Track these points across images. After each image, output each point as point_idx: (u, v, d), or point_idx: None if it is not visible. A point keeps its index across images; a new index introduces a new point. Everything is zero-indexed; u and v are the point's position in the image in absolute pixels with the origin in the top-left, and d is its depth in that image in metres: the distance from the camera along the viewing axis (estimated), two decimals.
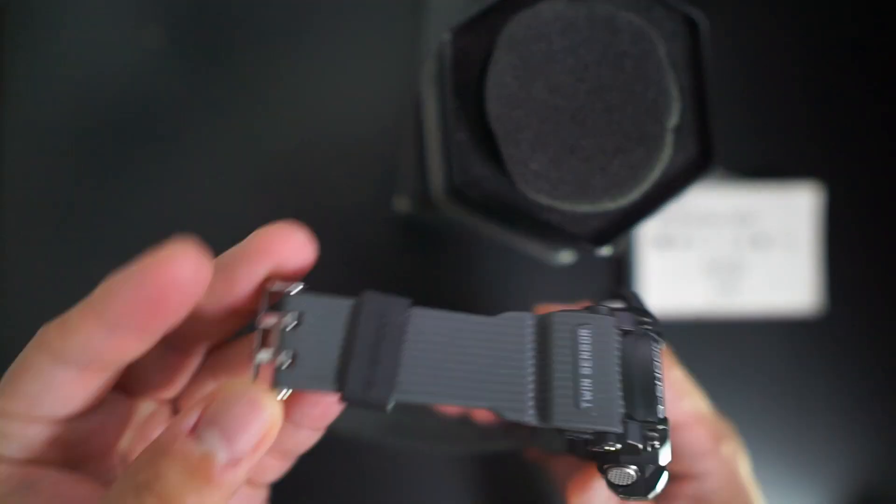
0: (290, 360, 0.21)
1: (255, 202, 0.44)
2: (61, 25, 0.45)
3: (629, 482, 0.21)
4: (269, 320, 0.21)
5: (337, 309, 0.21)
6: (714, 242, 0.46)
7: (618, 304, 0.22)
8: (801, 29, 0.48)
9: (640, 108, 0.28)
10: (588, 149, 0.27)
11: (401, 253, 0.45)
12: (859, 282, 0.47)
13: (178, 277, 0.19)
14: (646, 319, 0.22)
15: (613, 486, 0.21)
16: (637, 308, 0.22)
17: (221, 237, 0.24)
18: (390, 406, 0.20)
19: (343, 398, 0.20)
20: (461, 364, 0.21)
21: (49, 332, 0.20)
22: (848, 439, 0.46)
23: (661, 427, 0.21)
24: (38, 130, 0.44)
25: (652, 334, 0.22)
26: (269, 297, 0.21)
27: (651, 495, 0.21)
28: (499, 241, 0.42)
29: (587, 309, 0.22)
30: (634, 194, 0.28)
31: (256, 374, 0.21)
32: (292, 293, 0.21)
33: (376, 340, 0.21)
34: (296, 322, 0.21)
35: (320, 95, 0.45)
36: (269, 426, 0.19)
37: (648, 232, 0.45)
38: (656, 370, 0.21)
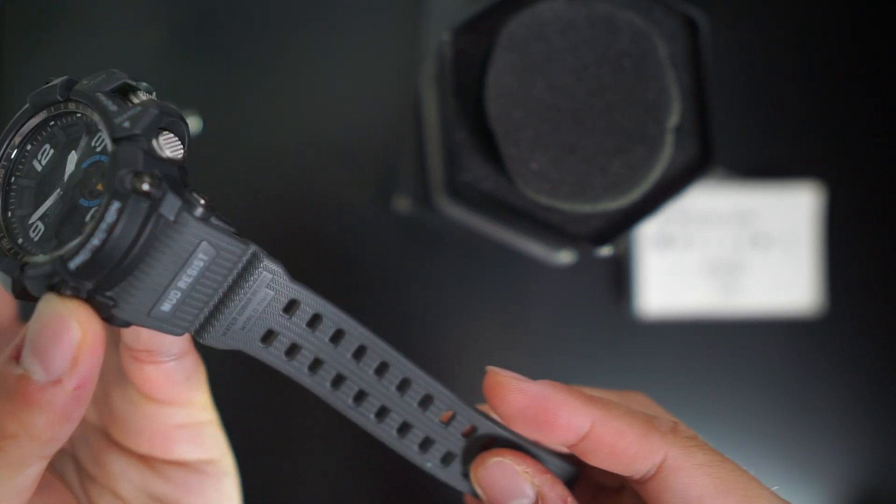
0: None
1: (255, 202, 0.44)
2: (61, 26, 0.45)
3: None
4: None
5: None
6: (714, 242, 0.45)
7: None
8: (801, 29, 0.48)
9: (640, 108, 0.28)
10: (588, 149, 0.27)
11: (400, 253, 0.45)
12: (859, 282, 0.47)
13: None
14: None
15: None
16: None
17: None
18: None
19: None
20: None
21: None
22: (848, 439, 0.46)
23: None
24: None
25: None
26: None
27: None
28: (499, 241, 0.41)
29: None
30: (634, 194, 0.28)
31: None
32: None
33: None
34: None
35: (320, 95, 0.45)
36: (81, 341, 0.18)
37: (648, 232, 0.45)
38: None
